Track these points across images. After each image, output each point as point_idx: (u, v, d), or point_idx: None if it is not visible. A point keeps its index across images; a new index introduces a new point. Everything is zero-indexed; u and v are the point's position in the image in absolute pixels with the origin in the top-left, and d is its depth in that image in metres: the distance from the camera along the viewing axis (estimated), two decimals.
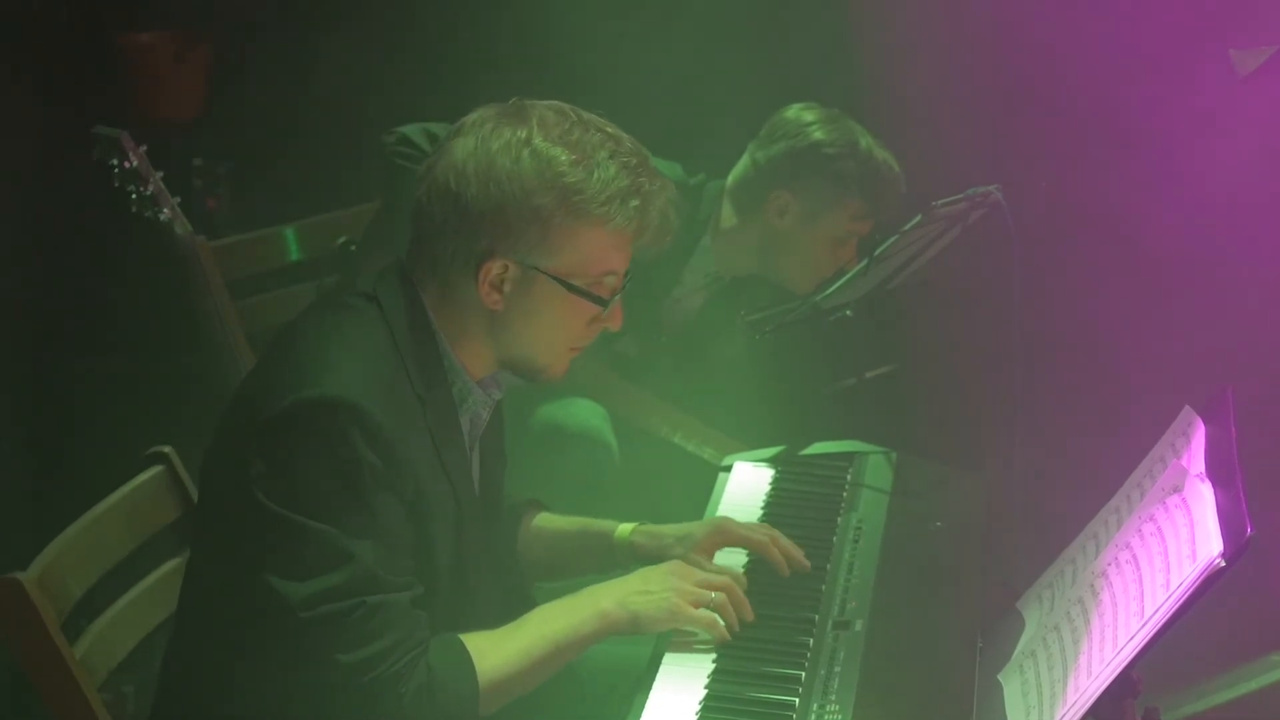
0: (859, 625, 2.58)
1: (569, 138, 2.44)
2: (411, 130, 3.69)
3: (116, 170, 3.77)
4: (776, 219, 3.83)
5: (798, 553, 2.73)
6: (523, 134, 2.43)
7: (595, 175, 2.42)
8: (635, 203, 2.45)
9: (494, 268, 2.44)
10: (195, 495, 2.79)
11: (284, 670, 2.33)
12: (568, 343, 2.54)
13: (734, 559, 2.77)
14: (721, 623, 2.51)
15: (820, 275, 3.78)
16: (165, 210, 3.81)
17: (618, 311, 2.55)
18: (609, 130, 2.49)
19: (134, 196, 3.79)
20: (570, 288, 2.46)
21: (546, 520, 2.87)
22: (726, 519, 2.80)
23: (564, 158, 2.42)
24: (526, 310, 2.47)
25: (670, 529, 2.77)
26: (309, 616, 2.28)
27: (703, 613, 2.51)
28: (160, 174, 3.82)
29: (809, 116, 3.81)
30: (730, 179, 3.90)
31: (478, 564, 2.56)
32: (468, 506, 2.53)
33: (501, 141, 2.43)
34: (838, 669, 2.45)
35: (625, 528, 2.79)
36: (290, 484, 2.31)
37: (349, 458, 2.31)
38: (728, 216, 3.88)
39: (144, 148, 3.80)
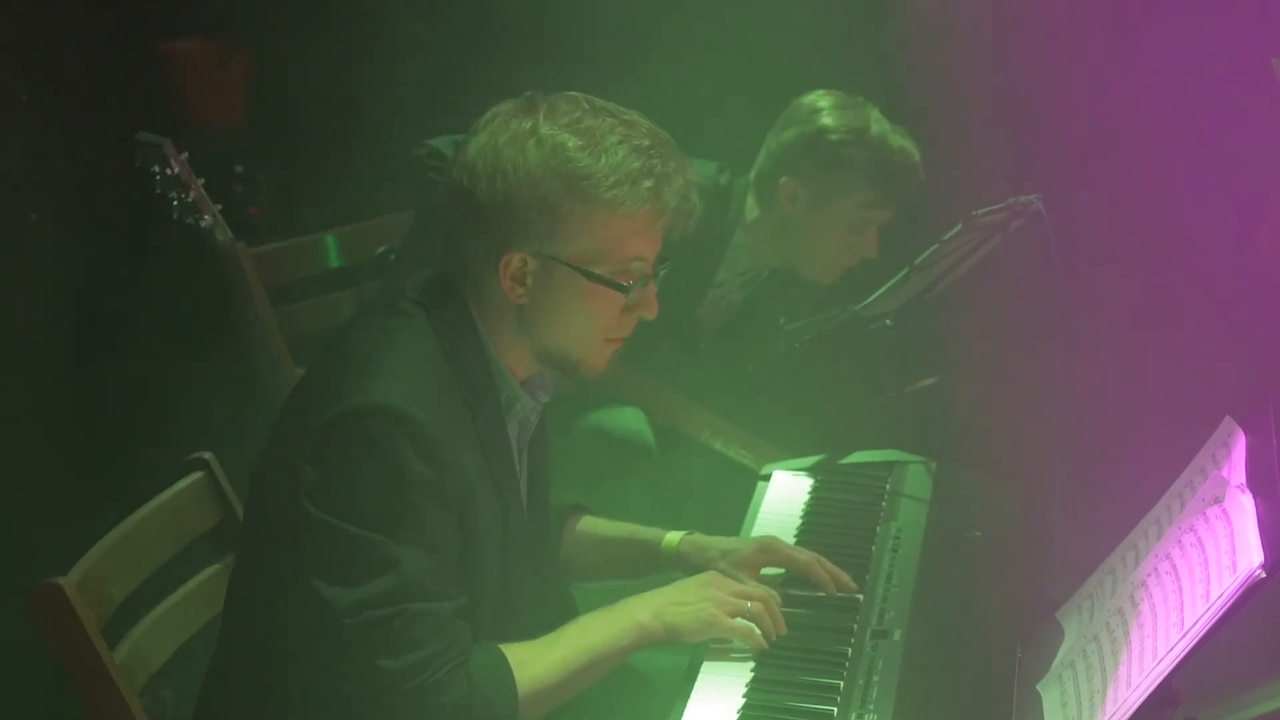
0: (897, 634, 2.57)
1: (578, 125, 2.40)
2: (442, 143, 3.70)
3: (158, 177, 3.78)
4: (788, 207, 3.82)
5: (844, 576, 2.69)
6: (529, 124, 2.40)
7: (603, 160, 2.38)
8: (648, 184, 2.40)
9: (513, 261, 2.42)
10: (235, 502, 2.80)
11: (327, 676, 2.33)
12: (601, 334, 2.49)
13: (776, 573, 2.76)
14: (758, 631, 2.50)
15: (839, 264, 3.80)
16: (206, 217, 3.82)
17: (652, 298, 2.50)
18: (625, 116, 2.44)
19: (175, 203, 3.80)
20: (590, 276, 2.42)
21: (592, 524, 2.86)
22: (774, 538, 2.76)
23: (571, 144, 2.39)
24: (551, 302, 2.44)
25: (718, 541, 2.75)
26: (353, 623, 2.29)
27: (739, 622, 2.50)
28: (202, 180, 3.83)
29: (822, 103, 3.80)
30: (753, 171, 3.90)
31: (521, 574, 2.55)
32: (515, 516, 2.51)
33: (509, 134, 2.41)
34: (876, 678, 2.45)
35: (673, 536, 2.77)
36: (340, 492, 2.31)
37: (398, 467, 2.30)
38: (751, 208, 3.89)
39: (185, 154, 3.81)
